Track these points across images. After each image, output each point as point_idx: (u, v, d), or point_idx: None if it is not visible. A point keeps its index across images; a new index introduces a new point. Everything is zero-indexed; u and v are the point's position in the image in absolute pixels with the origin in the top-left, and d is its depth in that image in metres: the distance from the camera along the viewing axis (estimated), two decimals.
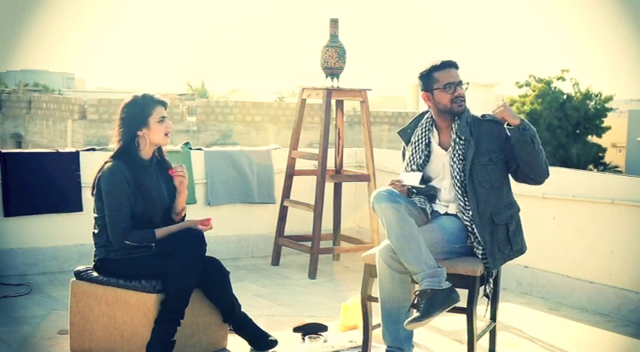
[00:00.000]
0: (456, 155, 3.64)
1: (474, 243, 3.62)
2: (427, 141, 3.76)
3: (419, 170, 3.72)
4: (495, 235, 3.61)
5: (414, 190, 3.70)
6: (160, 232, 3.80)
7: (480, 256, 3.61)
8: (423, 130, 3.77)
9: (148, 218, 3.81)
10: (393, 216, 3.50)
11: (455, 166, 3.63)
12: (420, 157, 3.74)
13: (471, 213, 3.60)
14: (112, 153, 3.87)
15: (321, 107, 5.91)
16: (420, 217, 3.70)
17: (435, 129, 3.76)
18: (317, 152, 5.86)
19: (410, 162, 3.77)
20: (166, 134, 3.89)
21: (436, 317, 3.41)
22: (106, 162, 3.83)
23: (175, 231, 3.83)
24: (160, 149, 3.96)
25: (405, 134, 3.85)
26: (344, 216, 6.39)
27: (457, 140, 3.64)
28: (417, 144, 3.77)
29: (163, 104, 3.89)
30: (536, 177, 3.65)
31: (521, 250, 3.76)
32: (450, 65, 3.68)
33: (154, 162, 3.93)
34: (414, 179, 3.66)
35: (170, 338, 3.69)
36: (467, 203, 3.61)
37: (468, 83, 3.69)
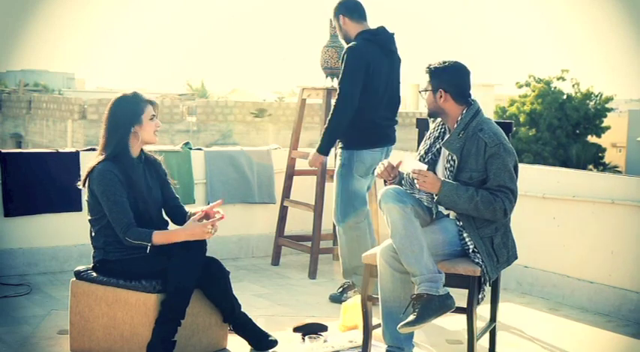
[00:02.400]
0: (448, 166, 3.65)
1: (468, 251, 3.62)
2: (438, 137, 3.77)
3: (427, 161, 3.73)
4: (483, 246, 3.60)
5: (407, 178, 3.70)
6: (159, 235, 3.74)
7: (475, 262, 3.60)
8: (438, 126, 3.80)
9: (144, 215, 3.81)
10: (398, 217, 3.50)
11: (446, 176, 3.65)
12: (432, 148, 3.76)
13: (461, 222, 3.61)
14: (99, 153, 3.85)
15: (321, 107, 5.90)
16: (425, 217, 3.70)
17: (447, 129, 3.77)
18: None
19: (424, 149, 3.79)
20: (155, 132, 3.91)
21: (430, 322, 3.42)
22: (96, 163, 3.81)
23: (175, 240, 3.71)
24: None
25: (434, 120, 3.88)
26: None
27: (449, 152, 3.65)
28: (432, 133, 3.81)
29: (152, 103, 3.92)
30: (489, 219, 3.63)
31: (507, 261, 3.73)
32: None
33: (142, 160, 3.94)
34: (415, 166, 3.63)
35: (171, 338, 3.69)
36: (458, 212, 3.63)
37: (428, 90, 3.69)
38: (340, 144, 4.98)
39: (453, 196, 3.54)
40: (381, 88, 4.88)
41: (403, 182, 3.76)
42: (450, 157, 3.65)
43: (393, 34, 4.99)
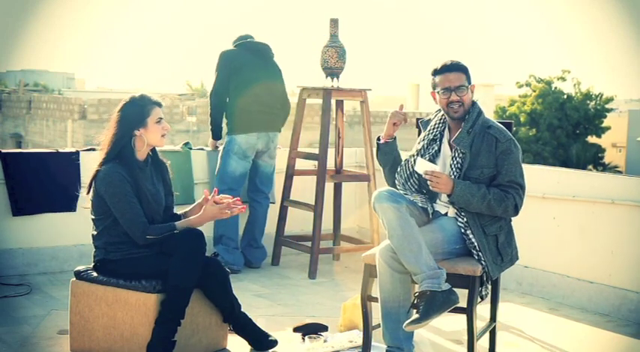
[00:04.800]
0: (454, 163, 3.64)
1: (471, 248, 3.62)
2: (438, 135, 3.75)
3: (427, 159, 3.71)
4: (487, 244, 3.61)
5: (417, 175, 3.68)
6: (181, 224, 3.80)
7: (477, 259, 3.60)
8: (437, 124, 3.78)
9: (147, 218, 3.80)
10: (394, 217, 3.50)
11: (452, 173, 3.64)
12: (432, 147, 3.74)
13: (465, 219, 3.61)
14: (104, 155, 3.82)
15: (321, 107, 5.90)
16: (421, 217, 3.70)
17: (447, 127, 3.76)
18: (317, 152, 5.86)
19: (421, 151, 3.76)
20: (163, 135, 3.89)
21: (435, 318, 3.41)
22: (100, 165, 3.80)
23: (196, 223, 3.81)
24: (153, 149, 3.96)
25: (425, 124, 3.85)
26: (344, 216, 6.38)
27: (457, 149, 3.64)
28: (427, 135, 3.78)
29: (160, 105, 3.91)
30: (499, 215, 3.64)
31: (511, 261, 3.74)
32: (448, 69, 3.65)
33: (150, 163, 3.93)
34: (427, 167, 3.62)
35: (171, 338, 3.69)
36: (460, 209, 3.62)
37: (467, 87, 3.63)
38: (226, 131, 5.84)
39: (466, 195, 3.54)
40: (254, 80, 5.74)
41: (399, 169, 3.75)
42: (456, 154, 3.64)
43: (265, 44, 5.93)
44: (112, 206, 3.74)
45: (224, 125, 5.91)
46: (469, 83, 3.67)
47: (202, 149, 6.29)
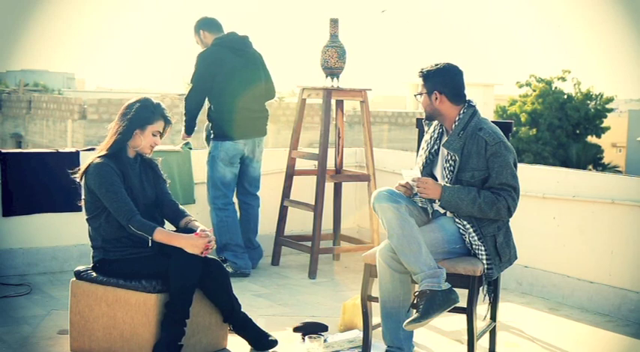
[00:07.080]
0: (447, 166, 3.65)
1: (472, 247, 3.62)
2: (437, 137, 3.76)
3: (424, 165, 3.75)
4: (485, 245, 3.61)
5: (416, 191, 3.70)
6: (162, 233, 3.77)
7: (480, 258, 3.60)
8: (437, 126, 3.79)
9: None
10: (393, 216, 3.50)
11: (445, 176, 3.65)
12: (431, 149, 3.77)
13: (461, 220, 3.61)
14: (101, 149, 3.88)
15: (321, 107, 5.90)
16: (421, 217, 3.70)
17: (446, 129, 3.77)
18: (317, 152, 5.85)
19: (421, 155, 3.81)
20: (152, 147, 3.96)
21: (435, 317, 3.42)
22: (94, 159, 3.86)
23: (174, 243, 3.74)
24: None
25: (430, 123, 3.88)
26: (344, 216, 6.38)
27: (449, 152, 3.65)
28: (430, 135, 3.81)
29: (168, 122, 3.96)
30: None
31: (509, 261, 3.74)
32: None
33: (139, 160, 3.98)
34: (412, 175, 3.68)
35: (178, 342, 3.69)
36: None
37: (422, 93, 3.71)
38: (211, 136, 5.68)
39: (455, 200, 3.55)
40: (238, 85, 5.57)
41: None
42: (449, 157, 3.65)
43: (245, 36, 5.69)
44: (102, 196, 3.78)
45: (211, 130, 5.71)
46: (429, 90, 3.69)
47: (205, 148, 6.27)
